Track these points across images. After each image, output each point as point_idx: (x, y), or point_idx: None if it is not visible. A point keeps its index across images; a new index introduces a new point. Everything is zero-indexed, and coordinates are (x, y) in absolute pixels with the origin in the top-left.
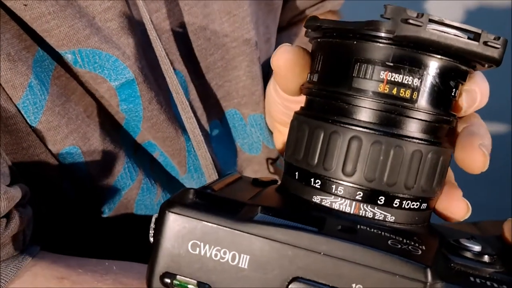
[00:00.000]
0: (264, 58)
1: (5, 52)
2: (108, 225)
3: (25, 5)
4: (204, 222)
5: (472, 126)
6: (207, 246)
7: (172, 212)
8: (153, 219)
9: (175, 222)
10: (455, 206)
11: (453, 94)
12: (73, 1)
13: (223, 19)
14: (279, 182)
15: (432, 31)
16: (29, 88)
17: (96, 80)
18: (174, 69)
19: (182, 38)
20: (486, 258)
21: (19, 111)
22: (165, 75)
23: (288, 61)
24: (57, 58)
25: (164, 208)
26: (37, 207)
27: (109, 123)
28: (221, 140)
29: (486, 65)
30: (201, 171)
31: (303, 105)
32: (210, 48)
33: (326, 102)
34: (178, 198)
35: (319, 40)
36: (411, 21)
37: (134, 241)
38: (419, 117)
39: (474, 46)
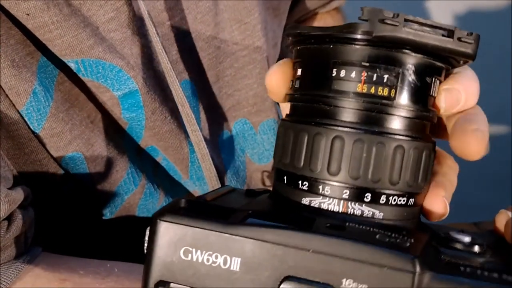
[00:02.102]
0: (272, 63)
1: (9, 58)
2: (109, 228)
3: (28, 14)
4: (194, 228)
5: (467, 114)
6: (198, 252)
7: (163, 221)
8: (147, 231)
9: (166, 230)
10: (433, 204)
11: (430, 90)
12: (77, 10)
13: (233, 27)
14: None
15: (408, 30)
16: (33, 94)
17: (99, 89)
18: (184, 78)
19: (192, 47)
20: (476, 248)
21: (22, 117)
22: (170, 88)
23: (277, 80)
24: (61, 64)
25: (156, 217)
26: (39, 209)
27: (112, 128)
28: (231, 151)
29: (461, 61)
30: (203, 181)
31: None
32: (220, 56)
33: (308, 106)
34: (169, 207)
35: (298, 47)
36: (387, 21)
37: (136, 244)
38: (398, 114)
39: (448, 42)
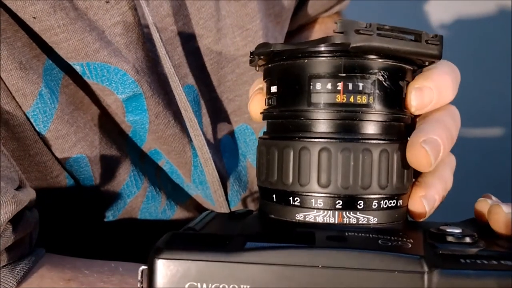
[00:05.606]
0: None
1: (16, 60)
2: (112, 231)
3: (34, 17)
4: (197, 261)
5: (424, 123)
6: (204, 285)
7: (162, 259)
8: (140, 272)
9: (167, 268)
10: (413, 205)
11: (403, 92)
12: (84, 14)
13: (235, 33)
14: (255, 211)
15: (382, 38)
16: (40, 96)
17: (104, 91)
18: (186, 83)
19: (195, 52)
20: (468, 239)
21: (28, 119)
22: (174, 92)
23: (261, 109)
24: (66, 66)
25: (153, 257)
26: (43, 211)
27: (116, 131)
28: (232, 156)
29: (427, 62)
30: (206, 185)
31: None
32: (221, 61)
33: (289, 122)
34: (164, 243)
35: (269, 65)
36: (362, 31)
37: (138, 246)
38: (379, 119)
39: (418, 46)
